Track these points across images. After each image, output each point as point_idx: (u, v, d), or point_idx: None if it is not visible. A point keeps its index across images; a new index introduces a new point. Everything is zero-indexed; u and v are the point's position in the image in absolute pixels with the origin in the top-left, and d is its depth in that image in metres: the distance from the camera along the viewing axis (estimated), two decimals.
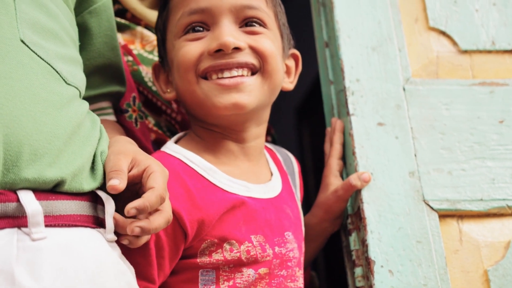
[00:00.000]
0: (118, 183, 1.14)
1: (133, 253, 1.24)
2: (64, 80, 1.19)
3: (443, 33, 1.70)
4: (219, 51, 1.39)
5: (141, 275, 1.27)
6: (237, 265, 1.36)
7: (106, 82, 1.49)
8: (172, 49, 1.46)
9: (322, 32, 1.73)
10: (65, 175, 1.11)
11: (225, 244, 1.36)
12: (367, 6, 1.67)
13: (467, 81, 1.65)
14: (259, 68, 1.43)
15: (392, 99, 1.60)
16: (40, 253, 1.06)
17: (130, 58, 1.64)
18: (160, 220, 1.17)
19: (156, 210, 1.18)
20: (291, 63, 1.56)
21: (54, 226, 1.10)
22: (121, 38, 1.66)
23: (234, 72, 1.40)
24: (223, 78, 1.39)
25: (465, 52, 1.69)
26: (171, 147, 1.44)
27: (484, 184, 1.55)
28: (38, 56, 1.15)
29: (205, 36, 1.42)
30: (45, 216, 1.09)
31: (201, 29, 1.43)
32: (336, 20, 1.65)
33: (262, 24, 1.46)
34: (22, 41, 1.14)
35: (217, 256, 1.35)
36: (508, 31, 1.71)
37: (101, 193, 1.18)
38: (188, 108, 1.48)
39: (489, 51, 1.69)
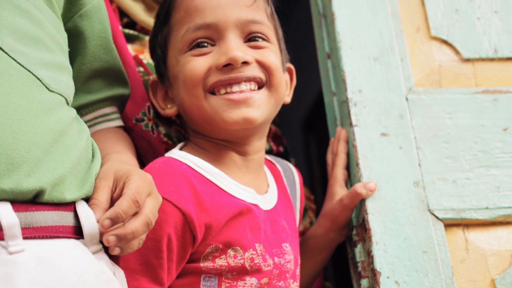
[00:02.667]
0: (97, 218, 1.13)
1: (147, 254, 1.25)
2: (46, 87, 1.17)
3: (445, 42, 1.69)
4: (228, 66, 1.40)
5: (153, 277, 1.27)
6: (241, 273, 1.36)
7: (108, 86, 1.47)
8: (176, 65, 1.46)
9: (324, 43, 1.73)
10: (44, 185, 1.09)
11: (229, 250, 1.36)
12: (368, 16, 1.67)
13: (470, 90, 1.64)
14: (266, 82, 1.44)
15: (395, 109, 1.59)
16: (16, 267, 1.03)
17: (141, 69, 1.64)
18: (135, 223, 1.13)
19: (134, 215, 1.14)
20: (286, 77, 1.57)
21: (34, 238, 1.07)
22: (131, 49, 1.67)
23: (243, 86, 1.40)
24: (232, 92, 1.40)
25: (468, 60, 1.68)
26: (177, 153, 1.44)
27: (489, 193, 1.54)
28: (18, 63, 1.13)
29: (211, 51, 1.42)
30: (24, 228, 1.06)
31: (206, 44, 1.43)
32: (338, 32, 1.65)
33: (266, 38, 1.47)
34: (1, 48, 1.12)
35: (220, 262, 1.35)
36: (511, 38, 1.71)
37: (80, 205, 1.16)
38: (193, 123, 1.48)
39: (492, 59, 1.69)
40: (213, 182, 1.39)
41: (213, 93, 1.41)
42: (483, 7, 1.73)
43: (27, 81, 1.14)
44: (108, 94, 1.47)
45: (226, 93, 1.40)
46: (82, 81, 1.42)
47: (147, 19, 1.73)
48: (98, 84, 1.45)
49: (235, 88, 1.40)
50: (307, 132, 4.25)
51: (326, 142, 1.69)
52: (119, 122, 1.52)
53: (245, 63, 1.41)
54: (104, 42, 1.44)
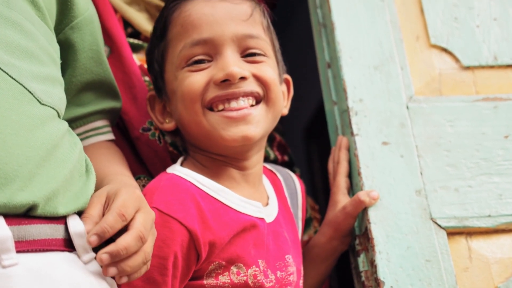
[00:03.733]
0: (86, 228, 1.13)
1: (151, 271, 1.24)
2: (38, 100, 1.16)
3: (444, 50, 1.70)
4: (225, 81, 1.40)
5: None
6: None
7: (99, 99, 1.47)
8: (173, 80, 1.46)
9: (324, 53, 1.73)
10: (38, 199, 1.08)
11: (232, 267, 1.35)
12: (368, 26, 1.68)
13: (470, 97, 1.64)
14: (263, 96, 1.44)
15: (396, 118, 1.59)
16: (10, 281, 1.03)
17: (147, 78, 1.64)
18: (127, 238, 1.11)
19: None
20: (284, 88, 1.57)
21: (27, 251, 1.07)
22: (136, 59, 1.67)
23: (241, 102, 1.41)
24: (230, 109, 1.40)
25: (468, 68, 1.69)
26: (180, 170, 1.43)
27: (492, 200, 1.54)
28: (9, 76, 1.13)
29: (209, 66, 1.42)
30: (17, 242, 1.06)
31: (204, 59, 1.43)
32: (337, 41, 1.65)
33: (262, 52, 1.47)
34: None
35: (223, 279, 1.34)
36: (510, 45, 1.71)
37: (71, 218, 1.15)
38: (192, 138, 1.48)
39: (492, 67, 1.69)
40: (217, 199, 1.39)
41: (211, 109, 1.41)
42: (482, 15, 1.73)
43: (19, 94, 1.13)
44: (99, 107, 1.47)
45: (224, 109, 1.40)
46: (73, 94, 1.42)
47: (151, 28, 1.74)
48: (89, 97, 1.45)
49: (233, 103, 1.40)
50: (309, 141, 4.25)
51: (328, 151, 1.69)
52: (111, 136, 1.52)
53: (243, 78, 1.41)
54: (95, 54, 1.44)
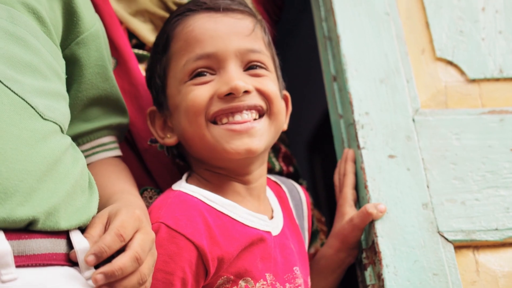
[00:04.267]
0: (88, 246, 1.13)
1: (156, 285, 1.23)
2: (40, 115, 1.16)
3: (450, 63, 1.70)
4: (229, 95, 1.40)
5: None
6: None
7: (105, 115, 1.47)
8: (176, 94, 1.46)
9: (330, 66, 1.73)
10: (38, 214, 1.08)
11: (240, 281, 1.35)
12: (373, 39, 1.68)
13: (476, 110, 1.64)
14: (266, 110, 1.45)
15: (402, 131, 1.59)
16: None
17: None
18: (123, 259, 1.10)
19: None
20: (282, 104, 1.57)
21: (27, 266, 1.07)
22: (142, 69, 1.67)
23: (245, 115, 1.41)
24: (234, 122, 1.40)
25: (473, 81, 1.69)
26: (186, 187, 1.43)
27: (499, 213, 1.54)
28: (12, 91, 1.13)
29: (212, 80, 1.43)
30: (17, 256, 1.06)
31: (206, 73, 1.44)
32: (343, 54, 1.66)
33: (264, 67, 1.48)
34: None
35: None
36: None
37: (74, 233, 1.15)
38: (195, 152, 1.48)
39: (497, 79, 1.69)
40: (224, 213, 1.39)
41: (214, 122, 1.41)
42: (487, 28, 1.73)
43: (21, 109, 1.13)
44: (106, 123, 1.47)
45: (228, 122, 1.41)
46: (79, 109, 1.42)
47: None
48: (96, 113, 1.45)
49: (237, 117, 1.41)
50: (312, 154, 4.25)
51: (331, 163, 1.69)
52: (118, 152, 1.52)
53: (246, 92, 1.41)
54: (101, 70, 1.44)
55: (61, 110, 1.24)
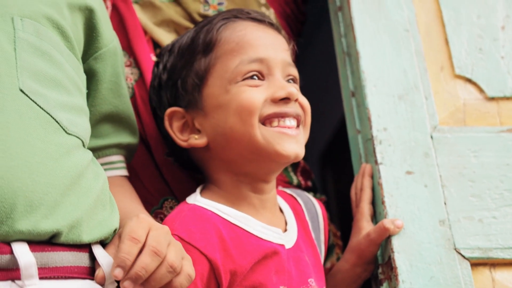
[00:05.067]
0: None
1: None
2: (64, 129, 1.18)
3: (469, 80, 1.70)
4: (283, 100, 1.45)
5: None
6: None
7: (115, 132, 1.48)
8: (223, 94, 1.46)
9: (348, 81, 1.74)
10: (61, 227, 1.10)
11: None
12: (392, 55, 1.69)
13: (494, 128, 1.64)
14: (302, 121, 1.50)
15: (420, 147, 1.60)
16: None
17: None
18: (141, 257, 1.11)
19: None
20: None
21: (49, 278, 1.08)
22: None
23: (292, 121, 1.46)
24: (284, 126, 1.45)
25: (492, 99, 1.69)
26: (200, 200, 1.45)
27: None
28: (38, 105, 1.15)
29: (261, 85, 1.46)
30: (40, 268, 1.07)
31: (256, 78, 1.47)
32: (362, 70, 1.66)
33: (296, 81, 1.54)
34: (21, 91, 1.14)
35: None
36: None
37: (96, 247, 1.17)
38: (232, 153, 1.47)
39: None
40: (238, 226, 1.41)
41: (263, 124, 1.45)
42: (507, 46, 1.74)
43: (46, 123, 1.15)
44: (116, 141, 1.47)
45: (279, 125, 1.45)
46: (91, 124, 1.42)
47: None
48: (107, 129, 1.46)
49: (287, 122, 1.46)
50: (324, 167, 4.25)
51: (343, 177, 1.70)
52: (125, 172, 1.52)
53: (296, 100, 1.47)
54: (114, 86, 1.45)
55: (83, 125, 1.26)
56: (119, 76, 1.47)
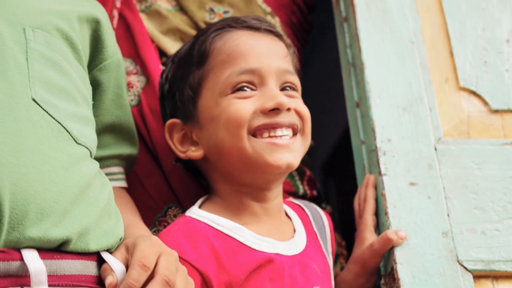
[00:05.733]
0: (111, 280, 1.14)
1: None
2: (74, 139, 1.20)
3: (473, 93, 1.71)
4: (273, 110, 1.44)
5: None
6: None
7: (117, 143, 1.49)
8: (214, 106, 1.47)
9: (353, 92, 1.74)
10: (71, 235, 1.11)
11: None
12: (397, 66, 1.69)
13: (498, 141, 1.65)
14: (299, 130, 1.48)
15: (424, 159, 1.60)
16: None
17: None
18: (153, 285, 1.12)
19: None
20: None
21: (58, 286, 1.09)
22: None
23: (285, 131, 1.45)
24: (275, 136, 1.44)
25: (496, 111, 1.69)
26: (196, 212, 1.46)
27: None
28: (49, 115, 1.16)
29: (253, 96, 1.46)
30: (49, 276, 1.08)
31: (247, 89, 1.46)
32: (367, 81, 1.67)
33: (296, 88, 1.53)
34: (34, 100, 1.15)
35: None
36: None
37: (105, 255, 1.18)
38: (226, 165, 1.48)
39: None
40: (232, 237, 1.41)
41: (253, 136, 1.44)
42: (511, 60, 1.74)
43: (57, 133, 1.17)
44: (116, 152, 1.48)
45: (269, 136, 1.44)
46: None
47: None
48: (108, 140, 1.47)
49: (279, 132, 1.44)
50: (326, 177, 4.25)
51: (345, 187, 1.70)
52: (124, 183, 1.53)
53: (288, 109, 1.45)
54: (116, 97, 1.47)
55: (91, 135, 1.27)
56: (122, 88, 1.49)
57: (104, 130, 1.45)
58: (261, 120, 1.44)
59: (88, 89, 1.35)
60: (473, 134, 1.67)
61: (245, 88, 1.46)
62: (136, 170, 1.62)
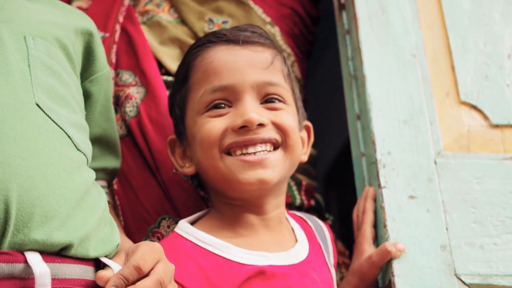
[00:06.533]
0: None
1: None
2: (75, 145, 1.21)
3: (474, 107, 1.71)
4: (243, 128, 1.42)
5: None
6: None
7: (103, 156, 1.49)
8: (193, 125, 1.48)
9: (354, 104, 1.75)
10: (73, 240, 1.12)
11: None
12: (399, 80, 1.70)
13: (498, 155, 1.65)
14: (281, 143, 1.46)
15: (424, 172, 1.60)
16: None
17: None
18: (146, 281, 1.13)
19: None
20: (304, 134, 1.60)
21: None
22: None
23: (258, 148, 1.43)
24: (247, 154, 1.42)
25: (497, 126, 1.70)
26: (183, 228, 1.46)
27: None
28: (52, 120, 1.18)
29: (228, 113, 1.45)
30: (52, 279, 1.09)
31: (223, 105, 1.46)
32: (368, 94, 1.67)
33: (282, 99, 1.50)
34: (38, 105, 1.16)
35: None
36: None
37: (104, 259, 1.19)
38: (210, 183, 1.50)
39: None
40: (218, 255, 1.40)
41: (229, 153, 1.44)
42: None
43: (60, 138, 1.18)
44: (102, 165, 1.49)
45: (242, 154, 1.43)
46: None
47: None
48: (95, 152, 1.46)
49: (251, 149, 1.43)
50: (328, 187, 4.25)
51: (347, 197, 1.70)
52: (108, 198, 1.54)
53: (261, 125, 1.43)
54: (104, 110, 1.48)
55: (87, 143, 1.29)
56: (109, 101, 1.50)
57: (92, 142, 1.46)
58: (232, 138, 1.43)
59: (81, 99, 1.37)
60: (473, 148, 1.67)
61: (222, 105, 1.46)
62: (131, 181, 1.64)
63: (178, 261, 1.34)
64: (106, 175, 1.52)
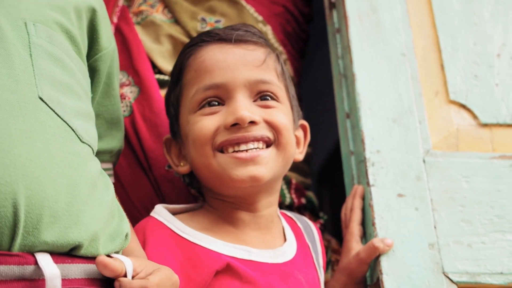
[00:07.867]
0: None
1: None
2: (79, 138, 1.19)
3: (463, 106, 1.72)
4: (235, 125, 1.43)
5: None
6: None
7: (108, 136, 1.46)
8: (186, 124, 1.49)
9: (344, 103, 1.75)
10: (83, 240, 1.11)
11: None
12: (388, 79, 1.70)
13: (487, 154, 1.66)
14: (274, 141, 1.47)
15: (412, 171, 1.61)
16: None
17: None
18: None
19: None
20: (300, 133, 1.60)
21: None
22: (163, 94, 1.71)
23: (250, 145, 1.44)
24: (239, 151, 1.43)
25: (485, 125, 1.70)
26: (162, 215, 1.46)
27: (504, 258, 1.54)
28: (56, 113, 1.15)
29: (220, 111, 1.46)
30: (62, 280, 1.08)
31: (216, 103, 1.47)
32: (358, 92, 1.68)
33: (275, 97, 1.50)
34: (41, 99, 1.14)
35: None
36: None
37: (115, 255, 1.18)
38: (204, 181, 1.51)
39: (509, 125, 1.70)
40: (196, 244, 1.41)
41: (221, 151, 1.44)
42: (502, 74, 1.76)
43: (64, 132, 1.16)
44: (107, 147, 1.46)
45: (234, 151, 1.43)
46: None
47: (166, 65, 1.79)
48: (100, 132, 1.43)
49: (243, 147, 1.43)
50: (320, 185, 4.26)
51: (339, 195, 1.71)
52: (113, 180, 1.51)
53: (253, 122, 1.44)
54: (104, 87, 1.44)
55: (93, 132, 1.26)
56: (111, 78, 1.45)
57: (96, 119, 1.43)
58: (224, 136, 1.43)
59: (87, 82, 1.33)
60: (462, 147, 1.68)
61: (214, 103, 1.46)
62: (122, 180, 1.64)
63: (158, 254, 1.35)
64: (112, 158, 1.50)
